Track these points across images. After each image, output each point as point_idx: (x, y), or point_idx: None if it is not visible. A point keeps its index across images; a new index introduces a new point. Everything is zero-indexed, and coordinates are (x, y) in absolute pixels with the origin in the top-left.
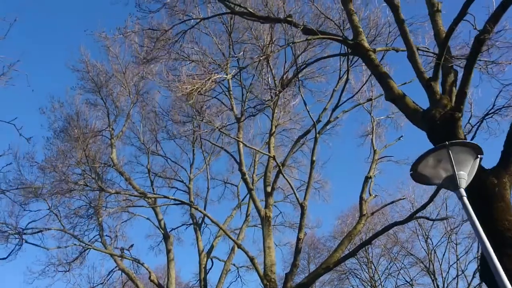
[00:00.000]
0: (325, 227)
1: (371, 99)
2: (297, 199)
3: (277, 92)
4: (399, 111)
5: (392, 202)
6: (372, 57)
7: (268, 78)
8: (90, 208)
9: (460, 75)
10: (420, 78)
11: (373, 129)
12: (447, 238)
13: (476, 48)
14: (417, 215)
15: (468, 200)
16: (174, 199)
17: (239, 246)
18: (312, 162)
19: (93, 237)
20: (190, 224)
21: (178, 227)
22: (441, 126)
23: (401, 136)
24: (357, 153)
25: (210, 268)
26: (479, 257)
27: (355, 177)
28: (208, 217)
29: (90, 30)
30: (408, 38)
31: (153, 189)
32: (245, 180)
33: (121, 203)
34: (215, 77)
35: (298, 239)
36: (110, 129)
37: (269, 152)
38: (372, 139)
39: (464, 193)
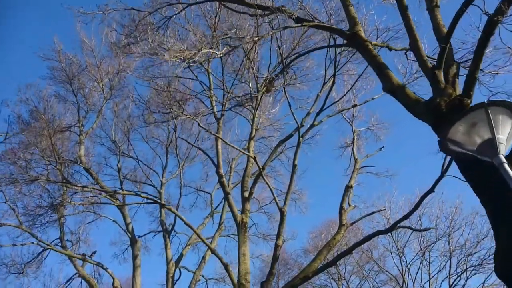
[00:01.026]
0: (298, 242)
1: (356, 105)
2: (276, 204)
3: (266, 81)
4: (380, 123)
5: (372, 213)
6: (369, 47)
7: (257, 66)
8: (52, 205)
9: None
10: (423, 67)
11: (354, 139)
12: (420, 256)
13: (488, 30)
14: (400, 224)
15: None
16: (147, 197)
17: (213, 252)
18: (294, 166)
19: (53, 240)
20: (159, 232)
21: (146, 234)
22: (448, 114)
23: (383, 147)
24: (334, 167)
25: (178, 279)
26: (450, 276)
27: (331, 190)
28: (181, 218)
29: (67, 4)
30: (411, 26)
31: (123, 196)
32: (221, 184)
33: (88, 199)
34: (205, 51)
35: (276, 246)
36: (80, 125)
37: (248, 158)
38: (353, 149)
39: (503, 160)
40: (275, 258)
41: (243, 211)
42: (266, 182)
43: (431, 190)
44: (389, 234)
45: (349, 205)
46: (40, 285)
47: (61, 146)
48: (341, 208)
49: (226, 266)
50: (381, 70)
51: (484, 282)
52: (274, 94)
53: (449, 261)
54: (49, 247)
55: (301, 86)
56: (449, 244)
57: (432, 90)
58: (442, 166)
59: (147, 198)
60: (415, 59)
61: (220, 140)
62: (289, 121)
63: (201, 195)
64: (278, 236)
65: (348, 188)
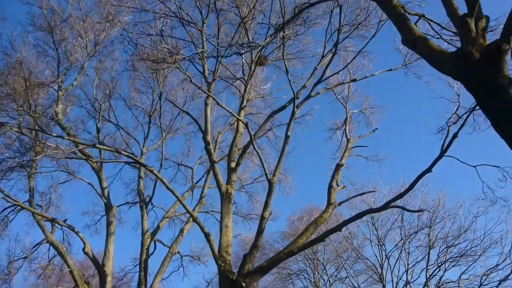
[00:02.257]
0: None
1: (355, 79)
2: (265, 174)
3: (278, 29)
4: (373, 107)
5: (362, 194)
6: None
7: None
8: (23, 153)
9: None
10: (452, 16)
11: (346, 118)
12: (401, 246)
13: None
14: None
15: None
16: (128, 155)
17: (194, 220)
18: (287, 137)
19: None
20: (135, 203)
21: (122, 204)
22: (482, 63)
23: (376, 129)
24: (319, 154)
25: (153, 252)
26: (428, 268)
27: (315, 178)
28: (163, 182)
29: None
30: None
31: (101, 158)
32: (208, 151)
33: (63, 151)
34: None
35: (263, 218)
36: (59, 81)
37: (237, 125)
38: (345, 129)
39: None
40: (260, 231)
41: (228, 181)
42: (256, 150)
43: (428, 170)
44: (371, 223)
45: (338, 185)
46: (4, 249)
47: (35, 102)
48: (330, 186)
49: (207, 236)
50: (401, 21)
51: (461, 275)
52: (266, 69)
53: (428, 253)
54: (17, 203)
55: (297, 64)
56: (429, 236)
57: (461, 40)
58: (442, 146)
59: (128, 157)
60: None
61: (208, 105)
62: (282, 95)
63: (181, 170)
64: (265, 207)
65: (338, 166)
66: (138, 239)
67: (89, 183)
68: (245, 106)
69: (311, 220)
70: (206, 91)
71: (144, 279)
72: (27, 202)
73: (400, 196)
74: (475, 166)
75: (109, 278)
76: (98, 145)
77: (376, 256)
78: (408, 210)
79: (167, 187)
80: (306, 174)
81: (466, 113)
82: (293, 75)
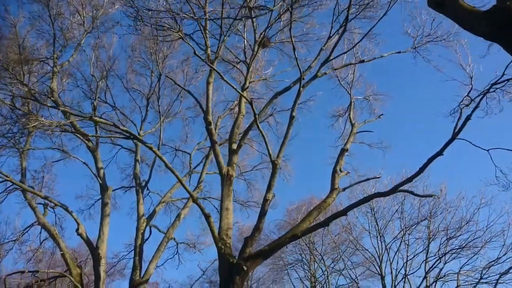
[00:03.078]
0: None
1: (363, 61)
2: (269, 155)
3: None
4: (377, 94)
5: (367, 180)
6: None
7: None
8: (16, 122)
9: None
10: None
11: (351, 104)
12: (400, 238)
13: None
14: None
15: None
16: (126, 132)
17: (195, 201)
18: (292, 118)
19: (11, 185)
20: (131, 187)
21: (117, 189)
22: None
23: (382, 114)
24: (320, 145)
25: (148, 238)
26: (428, 260)
27: (316, 165)
28: (163, 160)
29: None
30: None
31: (96, 139)
32: (209, 131)
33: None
34: None
35: (266, 200)
36: (54, 57)
37: (239, 108)
38: (349, 114)
39: None
40: (262, 213)
41: (229, 163)
42: (260, 130)
43: (439, 153)
44: (371, 213)
45: (341, 171)
46: None
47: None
48: (334, 171)
49: (207, 217)
50: None
51: (461, 267)
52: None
53: (427, 245)
54: (8, 179)
55: (301, 48)
56: (428, 228)
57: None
58: (454, 129)
59: (126, 132)
60: None
61: (211, 84)
62: (284, 78)
63: (178, 156)
64: (268, 189)
65: (343, 151)
66: (133, 225)
67: (84, 163)
68: (248, 87)
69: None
70: (210, 65)
71: (139, 264)
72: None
73: (409, 180)
74: (488, 150)
75: (103, 261)
76: (95, 117)
77: (375, 248)
78: (416, 195)
79: (167, 166)
80: (306, 163)
81: (479, 95)
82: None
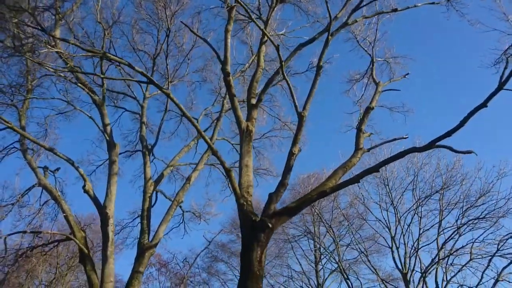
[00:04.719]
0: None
1: (396, 10)
2: (295, 107)
3: None
4: (398, 57)
5: (393, 140)
6: None
7: None
8: (17, 49)
9: None
10: None
11: (373, 63)
12: (415, 209)
13: None
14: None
15: None
16: (142, 73)
17: (214, 153)
18: (319, 68)
19: (10, 144)
20: (137, 151)
21: (122, 152)
22: None
23: (407, 74)
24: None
25: (154, 203)
26: (444, 232)
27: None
28: (180, 108)
29: None
30: None
31: (103, 90)
32: (227, 83)
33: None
34: None
35: (292, 153)
36: (56, 4)
37: (258, 61)
38: (372, 73)
39: None
40: (288, 168)
41: (248, 118)
42: (286, 79)
43: (483, 105)
44: (385, 184)
45: (364, 132)
46: None
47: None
48: (359, 130)
49: (228, 172)
50: None
51: (476, 238)
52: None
53: (440, 216)
54: (9, 126)
55: (320, 5)
56: (440, 201)
57: None
58: (500, 79)
59: (142, 74)
60: None
61: (229, 32)
62: (303, 35)
63: (184, 123)
64: (294, 143)
65: (368, 109)
66: (136, 194)
67: (90, 117)
68: (266, 41)
69: (319, 181)
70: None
71: (147, 228)
72: (17, 142)
73: (448, 134)
74: None
75: (111, 221)
76: (108, 54)
77: (386, 221)
78: (454, 151)
79: (185, 115)
80: (316, 136)
81: None
82: (316, 15)
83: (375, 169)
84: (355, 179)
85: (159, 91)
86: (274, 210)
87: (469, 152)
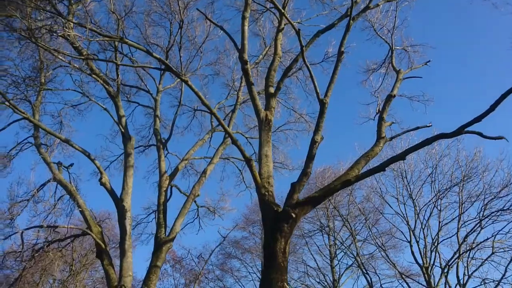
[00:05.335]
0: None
1: None
2: (317, 93)
3: None
4: (417, 45)
5: (416, 128)
6: None
7: None
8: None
9: None
10: None
11: (392, 52)
12: (434, 202)
13: None
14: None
15: None
16: (160, 59)
17: (234, 142)
18: (341, 53)
19: (24, 139)
20: (150, 145)
21: (136, 147)
22: None
23: (429, 61)
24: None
25: (169, 198)
26: (466, 224)
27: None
28: (199, 96)
29: None
30: None
31: (117, 80)
32: (245, 72)
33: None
34: None
35: (314, 142)
36: None
37: (275, 49)
38: (392, 62)
39: None
40: (310, 156)
41: (267, 107)
42: (306, 64)
43: None
44: (403, 176)
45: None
46: (4, 191)
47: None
48: (381, 118)
49: (248, 161)
50: None
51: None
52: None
53: (460, 210)
54: (25, 116)
55: None
56: (460, 194)
57: None
58: None
59: (160, 60)
60: None
61: (246, 19)
62: (319, 23)
63: (197, 117)
64: (317, 131)
65: (390, 97)
66: (149, 190)
67: (104, 109)
68: (283, 29)
69: (336, 174)
70: None
71: (164, 222)
72: (31, 137)
73: (478, 119)
74: None
75: (128, 214)
76: (125, 39)
77: (404, 214)
78: (485, 137)
79: (203, 102)
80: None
81: None
82: (332, 3)
83: (401, 156)
84: (381, 168)
85: (172, 84)
86: (297, 200)
87: (499, 138)
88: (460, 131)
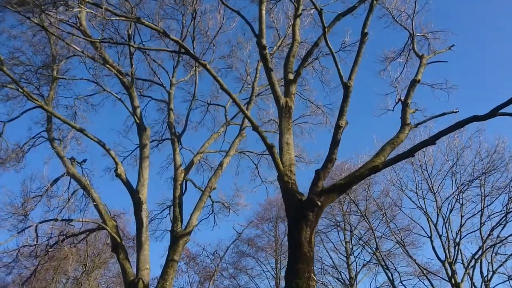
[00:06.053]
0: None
1: None
2: (340, 77)
3: None
4: (437, 31)
5: (443, 114)
6: None
7: None
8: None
9: None
10: None
11: (413, 38)
12: (456, 195)
13: None
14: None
15: None
16: (177, 41)
17: (255, 128)
18: (364, 35)
19: (37, 134)
20: (164, 140)
21: (150, 142)
22: None
23: (453, 45)
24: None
25: (184, 192)
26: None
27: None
28: (217, 80)
29: None
30: None
31: (132, 71)
32: (263, 57)
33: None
34: None
35: (338, 127)
36: None
37: (294, 35)
38: (414, 48)
39: None
40: (335, 142)
41: (287, 94)
42: (329, 46)
43: None
44: (422, 169)
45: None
46: (18, 186)
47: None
48: (405, 104)
49: (270, 148)
50: None
51: None
52: None
53: (482, 203)
54: (38, 103)
55: None
56: (482, 186)
57: None
58: None
59: (177, 43)
60: None
61: (264, 3)
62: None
63: (210, 111)
64: (341, 116)
65: (414, 82)
66: (163, 185)
67: (118, 99)
68: (301, 14)
69: (354, 167)
70: None
71: (180, 215)
72: (45, 131)
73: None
74: None
75: (144, 206)
76: (142, 19)
77: (424, 209)
78: None
79: (222, 87)
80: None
81: None
82: None
83: (431, 141)
84: (409, 153)
85: (186, 77)
86: (322, 188)
87: None
88: (494, 112)
